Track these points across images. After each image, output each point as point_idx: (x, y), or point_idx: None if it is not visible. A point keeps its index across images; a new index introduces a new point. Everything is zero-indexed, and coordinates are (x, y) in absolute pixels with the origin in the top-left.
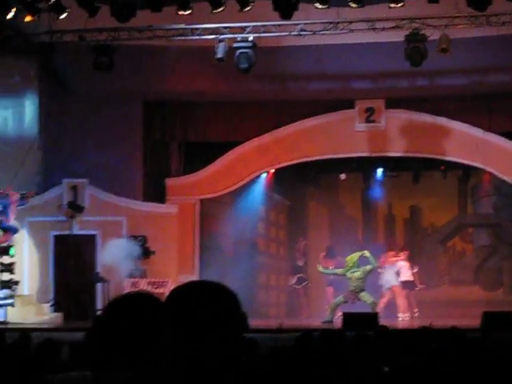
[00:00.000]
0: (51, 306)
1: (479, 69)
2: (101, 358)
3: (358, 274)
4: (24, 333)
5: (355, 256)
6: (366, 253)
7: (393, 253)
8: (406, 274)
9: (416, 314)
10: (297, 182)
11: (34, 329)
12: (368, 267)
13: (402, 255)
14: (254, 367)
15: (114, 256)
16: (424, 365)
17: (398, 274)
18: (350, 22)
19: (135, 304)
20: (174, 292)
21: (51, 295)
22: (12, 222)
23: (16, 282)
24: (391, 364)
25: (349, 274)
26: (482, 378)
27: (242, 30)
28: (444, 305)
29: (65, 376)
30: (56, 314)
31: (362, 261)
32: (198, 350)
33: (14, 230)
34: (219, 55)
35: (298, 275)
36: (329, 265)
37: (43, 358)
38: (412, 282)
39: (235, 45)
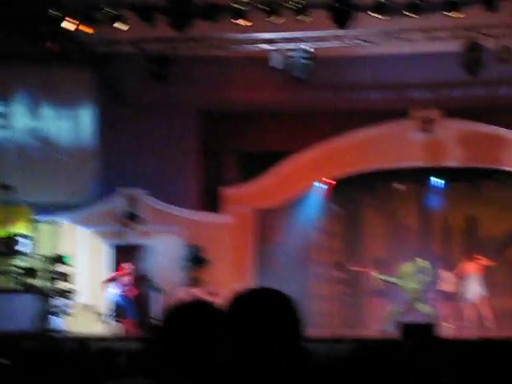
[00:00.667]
0: (109, 315)
1: None
2: (158, 367)
3: (413, 284)
4: (82, 342)
5: (410, 266)
6: (423, 263)
7: (474, 262)
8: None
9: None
10: (353, 191)
11: (92, 338)
12: (424, 278)
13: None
14: (307, 377)
15: (164, 262)
16: (482, 376)
17: (479, 283)
18: (407, 32)
19: (193, 312)
20: (234, 299)
21: (108, 304)
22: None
23: (72, 292)
24: (450, 375)
25: (405, 285)
26: None
27: (299, 39)
28: (500, 315)
29: (123, 382)
30: (113, 324)
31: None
32: (256, 358)
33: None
34: (275, 64)
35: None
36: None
37: (101, 367)
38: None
39: (292, 54)
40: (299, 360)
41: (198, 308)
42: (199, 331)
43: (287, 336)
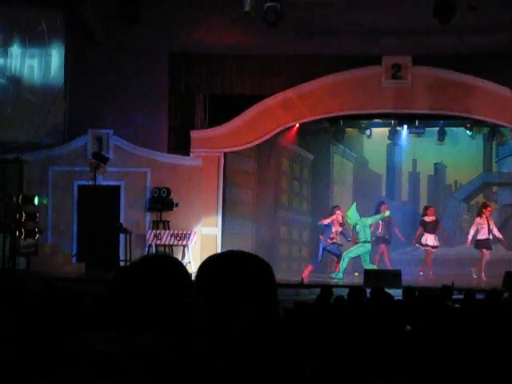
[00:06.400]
0: (74, 256)
1: (508, 27)
2: (121, 312)
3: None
4: (46, 283)
5: (353, 208)
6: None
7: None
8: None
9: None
10: (321, 136)
11: (57, 278)
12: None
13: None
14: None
15: (132, 204)
16: (445, 324)
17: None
18: None
19: (162, 265)
20: (205, 262)
21: (74, 245)
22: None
23: (40, 232)
24: (413, 323)
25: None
26: (503, 336)
27: None
28: (466, 263)
29: (87, 339)
30: (79, 264)
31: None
32: (228, 319)
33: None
34: (247, 8)
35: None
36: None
37: (65, 309)
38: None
39: None
40: (269, 323)
41: (164, 261)
42: (163, 284)
43: (257, 300)
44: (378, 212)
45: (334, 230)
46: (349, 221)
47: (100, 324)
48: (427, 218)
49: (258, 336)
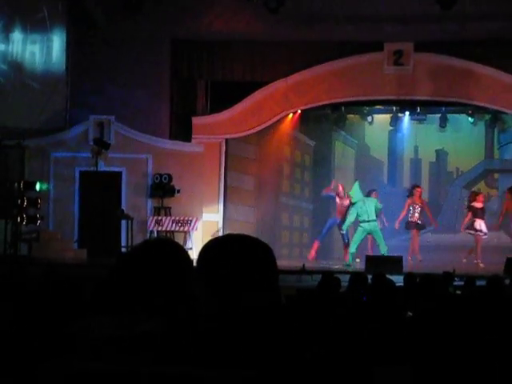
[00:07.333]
0: (75, 242)
1: (509, 13)
2: (123, 297)
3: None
4: (47, 268)
5: (355, 187)
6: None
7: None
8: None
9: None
10: (323, 123)
11: (58, 264)
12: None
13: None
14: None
15: (133, 190)
16: (446, 311)
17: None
18: None
19: (163, 249)
20: (206, 246)
21: (76, 231)
22: None
23: (41, 218)
24: (414, 309)
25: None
26: (504, 322)
27: None
28: (467, 250)
29: (84, 323)
30: (80, 250)
31: None
32: (229, 305)
33: None
34: None
35: None
36: None
37: (66, 294)
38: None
39: None
40: (270, 309)
41: (165, 245)
42: (164, 269)
43: (259, 283)
44: (411, 195)
45: (338, 202)
46: (352, 200)
47: (101, 309)
48: (477, 204)
49: (260, 322)
